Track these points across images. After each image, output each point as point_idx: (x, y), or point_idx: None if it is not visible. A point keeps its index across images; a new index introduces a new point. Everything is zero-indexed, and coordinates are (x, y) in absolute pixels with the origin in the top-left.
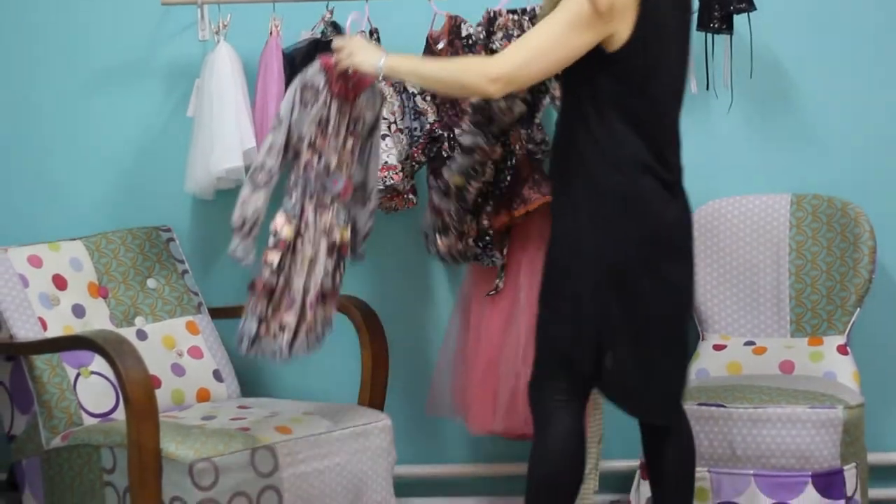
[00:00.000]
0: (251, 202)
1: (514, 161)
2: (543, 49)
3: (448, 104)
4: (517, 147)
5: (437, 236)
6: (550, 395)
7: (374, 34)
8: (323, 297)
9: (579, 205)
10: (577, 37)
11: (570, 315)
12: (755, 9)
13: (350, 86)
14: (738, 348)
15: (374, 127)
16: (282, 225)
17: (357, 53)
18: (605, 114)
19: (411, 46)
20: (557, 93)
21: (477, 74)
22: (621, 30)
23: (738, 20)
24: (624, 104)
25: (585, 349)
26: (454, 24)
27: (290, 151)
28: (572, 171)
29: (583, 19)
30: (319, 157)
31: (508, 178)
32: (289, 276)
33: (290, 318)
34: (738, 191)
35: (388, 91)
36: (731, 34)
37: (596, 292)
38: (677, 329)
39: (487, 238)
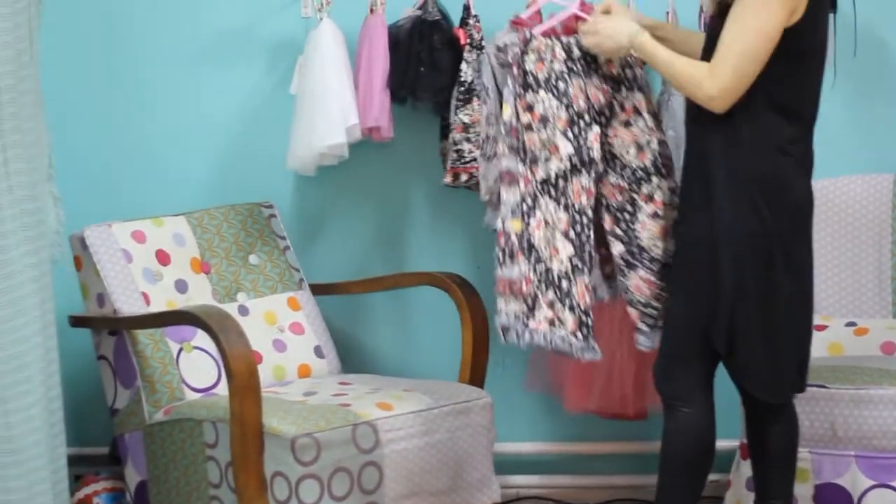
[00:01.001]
0: (490, 174)
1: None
2: (749, 50)
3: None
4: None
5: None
6: (683, 376)
7: (473, 16)
8: None
9: (715, 183)
10: (771, 21)
11: (707, 292)
12: None
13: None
14: (840, 329)
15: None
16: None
17: (604, 43)
18: (753, 95)
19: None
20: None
21: (697, 90)
22: (800, 5)
23: None
24: (776, 85)
25: (722, 326)
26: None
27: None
28: (709, 151)
29: (766, 2)
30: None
31: None
32: None
33: None
34: (841, 171)
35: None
36: (834, 13)
37: (733, 268)
38: (807, 307)
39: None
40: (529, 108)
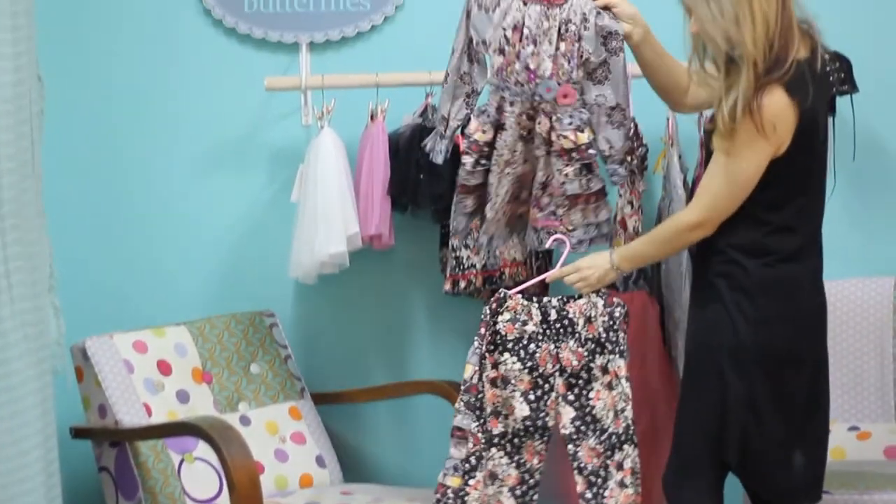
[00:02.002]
0: (442, 104)
1: None
2: (725, 191)
3: None
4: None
5: None
6: (694, 485)
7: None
8: (574, 199)
9: (724, 293)
10: (750, 168)
11: (716, 402)
12: (858, 91)
13: None
14: (842, 433)
15: (609, 42)
16: (475, 129)
17: (590, 275)
18: (756, 213)
19: None
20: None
21: (678, 236)
22: (785, 140)
23: (841, 102)
24: (775, 211)
25: (732, 439)
26: None
27: (473, 54)
28: (716, 264)
29: (756, 145)
30: (520, 63)
31: None
32: (487, 176)
33: (489, 213)
34: (841, 274)
35: None
36: (833, 116)
37: (740, 380)
38: (820, 412)
39: None
40: (495, 366)
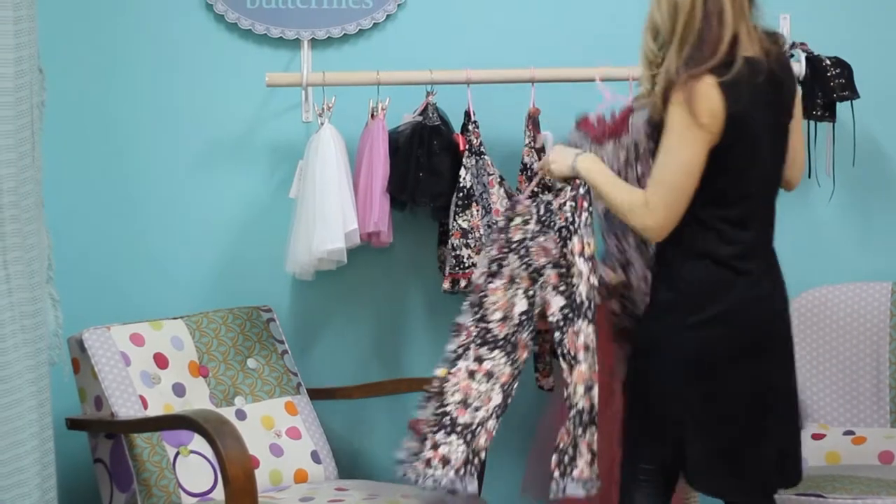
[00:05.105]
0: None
1: None
2: (676, 185)
3: None
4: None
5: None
6: (642, 492)
7: (473, 122)
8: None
9: (660, 303)
10: (691, 155)
11: (653, 406)
12: (858, 97)
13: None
14: (837, 438)
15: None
16: (608, 273)
17: (554, 166)
18: (696, 213)
19: (511, 131)
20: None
21: (632, 219)
22: (718, 130)
23: (841, 108)
24: (713, 201)
25: (668, 443)
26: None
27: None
28: (659, 266)
29: (690, 132)
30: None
31: None
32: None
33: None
34: (839, 279)
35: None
36: (833, 122)
37: (678, 389)
38: (756, 419)
39: None
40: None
